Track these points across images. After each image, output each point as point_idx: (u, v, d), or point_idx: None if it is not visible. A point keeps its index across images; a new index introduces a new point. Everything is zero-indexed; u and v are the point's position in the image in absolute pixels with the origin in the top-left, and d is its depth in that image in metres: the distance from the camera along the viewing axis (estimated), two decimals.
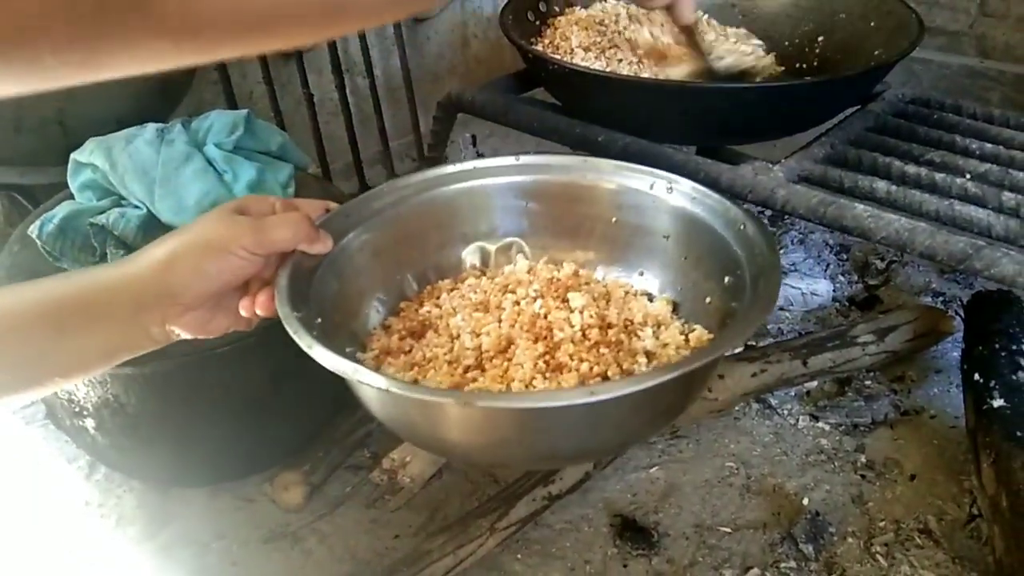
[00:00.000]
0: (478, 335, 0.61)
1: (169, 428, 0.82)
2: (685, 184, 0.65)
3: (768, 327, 1.07)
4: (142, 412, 0.80)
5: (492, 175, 0.71)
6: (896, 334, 0.96)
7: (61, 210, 0.81)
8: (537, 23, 1.11)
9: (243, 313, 0.57)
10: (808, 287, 1.10)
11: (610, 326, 0.62)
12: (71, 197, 0.86)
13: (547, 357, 0.58)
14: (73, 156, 0.83)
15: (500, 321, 0.62)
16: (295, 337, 0.51)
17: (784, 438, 0.92)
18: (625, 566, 0.79)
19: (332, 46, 1.31)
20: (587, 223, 0.70)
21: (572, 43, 1.02)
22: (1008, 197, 0.82)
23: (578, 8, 1.13)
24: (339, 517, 0.86)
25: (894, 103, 1.04)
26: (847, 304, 1.11)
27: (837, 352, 0.93)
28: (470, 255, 0.71)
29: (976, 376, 0.86)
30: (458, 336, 0.62)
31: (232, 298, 0.57)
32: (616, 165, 0.69)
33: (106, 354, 0.54)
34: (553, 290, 0.64)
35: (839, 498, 0.85)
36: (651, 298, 0.68)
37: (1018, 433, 0.78)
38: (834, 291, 1.12)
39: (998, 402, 0.82)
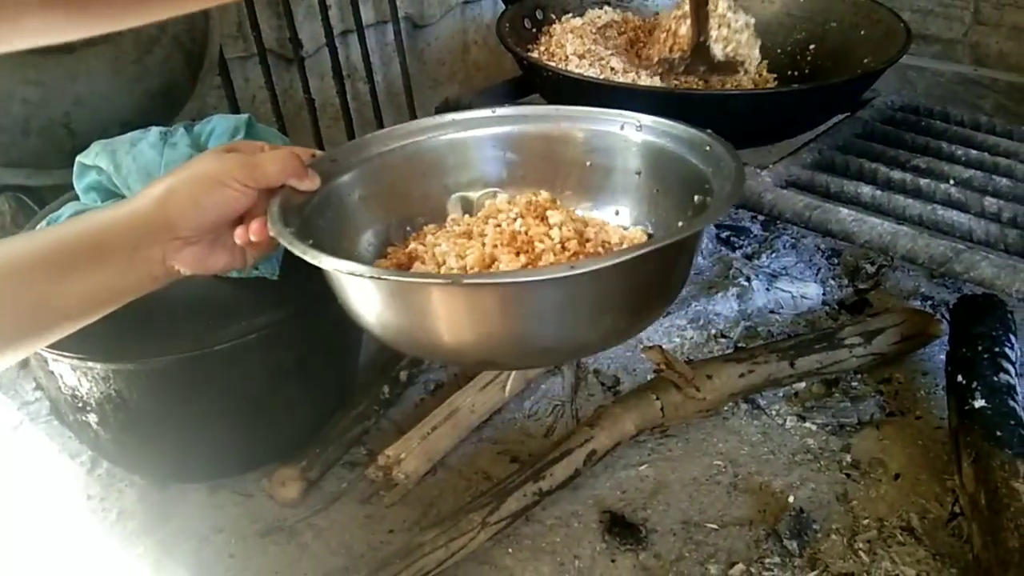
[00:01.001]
0: (463, 257, 0.63)
1: (170, 424, 0.84)
2: (651, 120, 0.69)
3: (758, 329, 1.08)
4: (144, 408, 0.82)
5: (470, 127, 0.75)
6: (883, 337, 0.98)
7: (66, 211, 0.83)
8: (534, 30, 1.14)
9: (238, 241, 0.60)
10: (798, 290, 1.12)
11: (588, 241, 0.64)
12: (76, 198, 0.88)
13: (529, 267, 0.61)
14: (78, 159, 0.86)
15: (483, 243, 0.64)
16: (290, 247, 0.55)
17: (772, 437, 0.94)
18: (613, 561, 0.81)
19: (333, 51, 1.33)
20: (563, 168, 0.74)
21: (567, 50, 1.05)
22: (990, 202, 0.84)
23: (573, 16, 1.15)
24: (335, 512, 0.88)
25: (883, 110, 1.06)
26: (837, 307, 1.12)
27: (824, 354, 0.95)
28: (453, 205, 0.74)
29: (959, 377, 0.88)
30: (444, 263, 0.64)
31: (229, 236, 0.60)
32: (587, 111, 0.73)
33: (109, 294, 0.57)
34: (532, 210, 0.67)
35: (824, 496, 0.86)
36: (626, 230, 0.71)
37: (998, 433, 0.80)
38: (824, 295, 1.14)
39: (979, 403, 0.83)
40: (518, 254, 0.62)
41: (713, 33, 1.01)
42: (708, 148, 0.64)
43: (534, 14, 1.15)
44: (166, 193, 0.56)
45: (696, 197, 0.63)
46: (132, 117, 0.95)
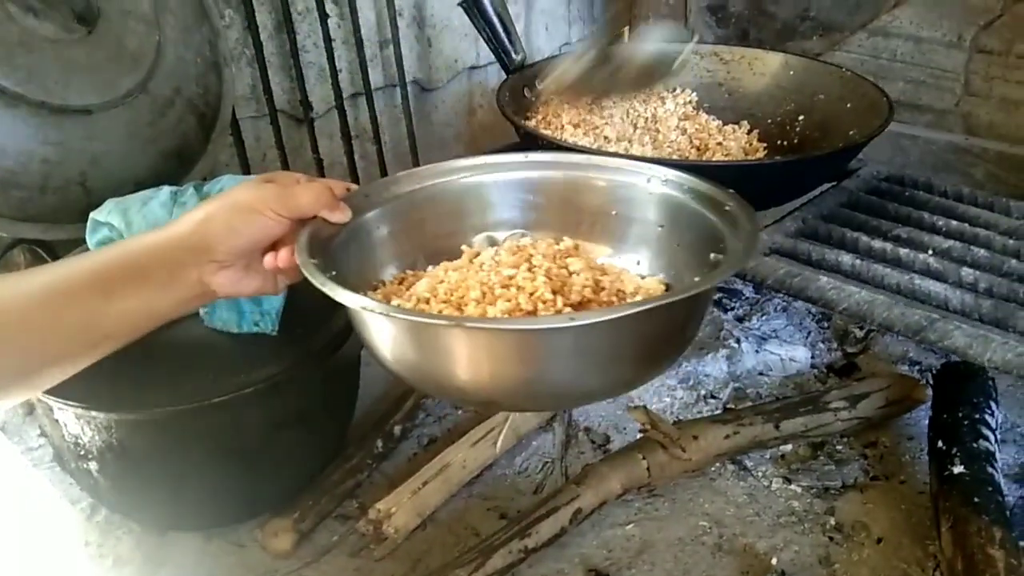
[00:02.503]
0: (436, 295, 0.66)
1: (168, 474, 0.87)
2: (677, 175, 0.72)
3: (747, 391, 1.10)
4: (143, 457, 0.85)
5: (502, 170, 0.77)
6: (869, 401, 1.00)
7: None
8: (533, 99, 1.18)
9: (266, 267, 0.64)
10: (787, 353, 1.14)
11: (603, 289, 0.66)
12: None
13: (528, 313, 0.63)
14: (92, 215, 0.89)
15: (481, 285, 0.66)
16: (310, 277, 0.57)
17: (757, 499, 0.95)
18: None
19: (342, 113, 1.38)
20: (588, 216, 0.76)
21: (563, 120, 1.09)
22: (967, 273, 0.87)
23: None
24: (325, 564, 0.89)
25: (868, 180, 1.09)
26: (825, 371, 1.14)
27: (809, 417, 0.97)
28: (479, 244, 0.76)
29: (940, 443, 0.90)
30: (423, 300, 0.66)
31: (262, 261, 0.64)
32: (616, 162, 0.76)
33: (150, 314, 0.61)
34: (552, 257, 0.69)
35: (807, 559, 0.87)
36: (643, 279, 0.73)
37: (975, 499, 0.81)
38: (813, 358, 1.16)
39: (958, 468, 0.85)
40: (518, 297, 0.64)
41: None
42: (728, 208, 0.66)
43: (533, 83, 1.20)
44: (204, 218, 0.61)
45: (712, 255, 0.65)
46: (145, 176, 0.99)
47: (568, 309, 0.62)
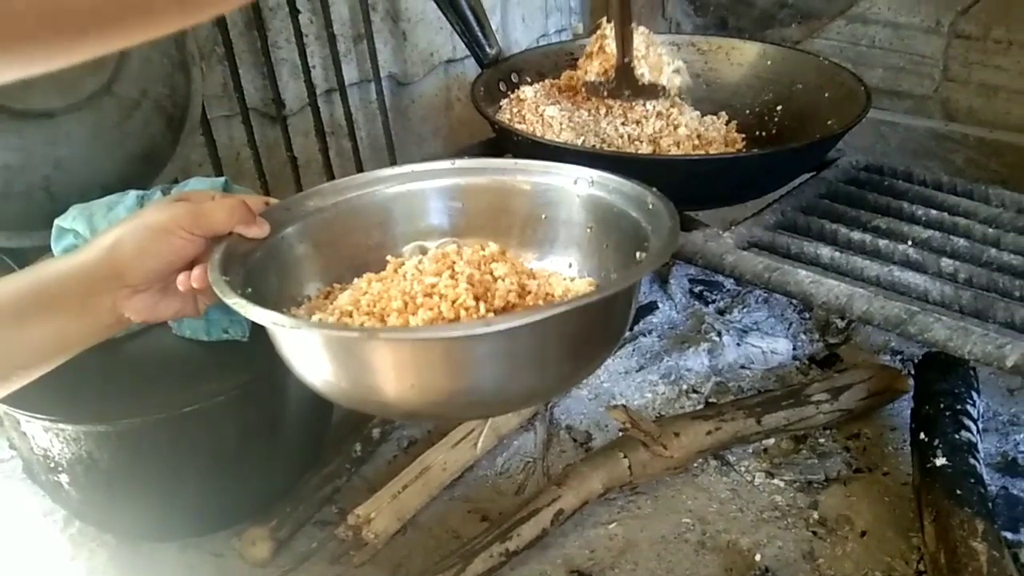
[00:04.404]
0: (358, 307, 0.64)
1: (141, 484, 0.85)
2: (600, 176, 0.71)
3: (729, 385, 1.10)
4: (114, 468, 0.83)
5: (428, 177, 0.76)
6: (850, 393, 1.00)
7: None
8: (508, 93, 1.16)
9: (180, 287, 0.61)
10: (768, 346, 1.13)
11: (529, 293, 0.65)
12: None
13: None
14: (56, 222, 0.87)
15: (401, 294, 0.64)
16: (220, 294, 0.55)
17: (740, 494, 0.94)
18: None
19: (316, 110, 1.36)
20: (519, 221, 0.75)
21: (541, 113, 1.07)
22: (947, 263, 0.86)
23: (548, 80, 1.18)
24: (304, 572, 0.88)
25: (847, 170, 1.08)
26: (807, 362, 1.14)
27: (791, 410, 0.97)
28: (409, 254, 0.75)
29: (922, 435, 0.89)
30: (345, 313, 0.64)
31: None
32: (543, 165, 0.75)
33: (62, 344, 0.58)
34: (477, 263, 0.67)
35: (790, 554, 0.87)
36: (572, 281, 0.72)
37: (958, 491, 0.81)
38: (795, 349, 1.15)
39: (940, 460, 0.85)
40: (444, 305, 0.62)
41: (639, 54, 1.03)
42: (651, 206, 0.66)
43: (509, 77, 1.18)
44: (114, 243, 0.58)
45: (638, 253, 0.65)
46: (112, 180, 0.97)
47: (491, 315, 0.60)
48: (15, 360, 0.56)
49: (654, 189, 0.67)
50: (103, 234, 0.59)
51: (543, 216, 0.75)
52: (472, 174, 0.76)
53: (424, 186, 0.76)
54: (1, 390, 0.57)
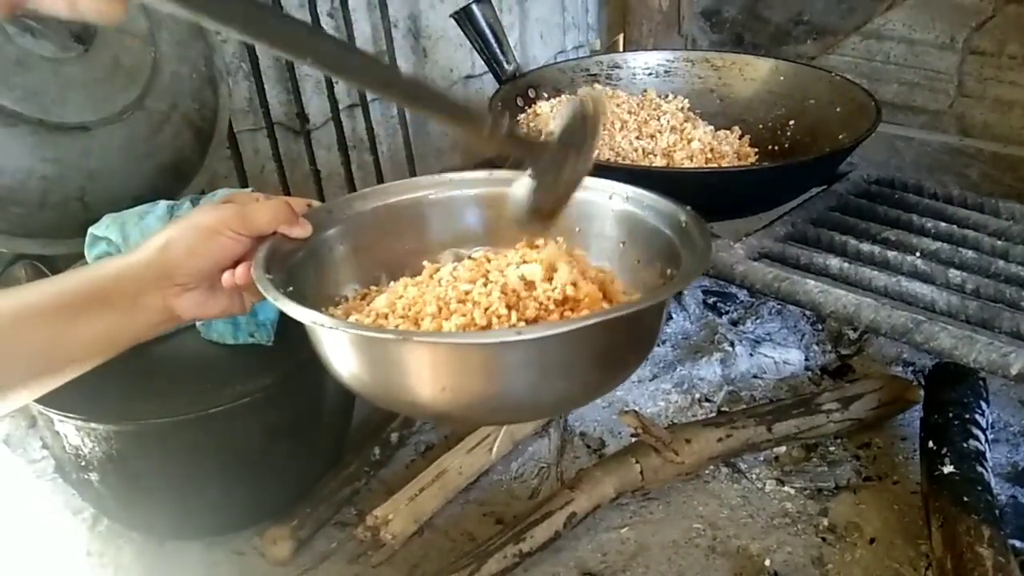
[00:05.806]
0: (394, 310, 0.66)
1: (167, 483, 0.88)
2: (637, 193, 0.72)
3: (741, 394, 1.11)
4: (143, 467, 0.86)
5: (466, 187, 0.78)
6: (861, 402, 1.01)
7: None
8: (526, 108, 1.19)
9: (224, 283, 0.64)
10: (781, 356, 1.15)
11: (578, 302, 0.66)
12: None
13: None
14: (90, 230, 0.91)
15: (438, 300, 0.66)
16: (263, 291, 0.58)
17: (751, 501, 0.96)
18: None
19: (339, 124, 1.40)
20: (553, 234, 0.76)
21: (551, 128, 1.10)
22: (954, 274, 0.88)
23: (564, 95, 1.21)
24: (323, 572, 0.91)
25: (858, 183, 1.10)
26: (820, 373, 1.15)
27: (802, 419, 0.98)
28: (446, 260, 0.77)
29: (930, 443, 0.90)
30: (382, 316, 0.66)
31: None
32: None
33: (114, 339, 0.61)
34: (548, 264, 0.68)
35: (800, 560, 0.88)
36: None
37: (965, 499, 0.82)
38: (807, 360, 1.17)
39: (948, 468, 0.86)
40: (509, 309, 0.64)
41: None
42: (684, 224, 0.67)
43: (526, 93, 1.21)
44: (165, 243, 0.62)
45: (669, 271, 0.66)
46: (143, 190, 1.01)
47: (522, 324, 0.62)
48: (70, 353, 0.59)
49: (688, 208, 0.68)
50: (155, 235, 0.63)
51: (576, 229, 0.75)
52: (508, 185, 0.78)
53: (462, 194, 0.78)
54: (55, 381, 0.60)
